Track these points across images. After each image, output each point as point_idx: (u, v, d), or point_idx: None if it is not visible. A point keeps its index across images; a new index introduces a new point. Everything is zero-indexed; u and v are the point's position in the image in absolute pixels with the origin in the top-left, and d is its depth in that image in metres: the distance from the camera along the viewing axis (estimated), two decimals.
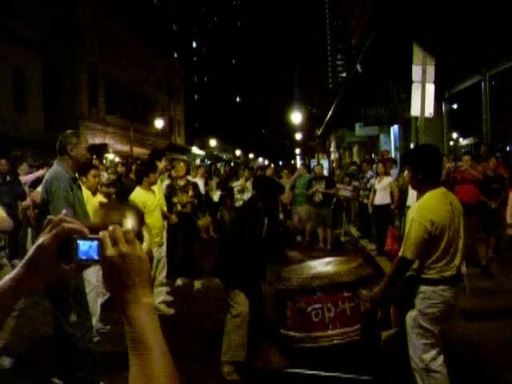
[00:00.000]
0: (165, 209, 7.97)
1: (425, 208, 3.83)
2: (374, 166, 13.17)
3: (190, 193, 8.91)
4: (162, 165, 8.59)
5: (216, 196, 15.10)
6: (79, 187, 4.91)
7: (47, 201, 4.52)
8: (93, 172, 6.47)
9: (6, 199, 9.59)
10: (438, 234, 3.76)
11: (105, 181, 10.47)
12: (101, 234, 1.10)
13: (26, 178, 10.90)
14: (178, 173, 9.23)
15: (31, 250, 1.12)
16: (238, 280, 5.13)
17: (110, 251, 1.07)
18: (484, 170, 9.10)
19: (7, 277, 1.14)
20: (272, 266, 5.56)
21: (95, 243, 1.09)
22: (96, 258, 1.09)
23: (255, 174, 15.67)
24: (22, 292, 1.15)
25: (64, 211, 1.17)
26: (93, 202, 6.29)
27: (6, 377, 5.03)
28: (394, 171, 13.07)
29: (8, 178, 10.39)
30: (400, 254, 3.87)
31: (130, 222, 5.33)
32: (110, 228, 1.11)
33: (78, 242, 1.10)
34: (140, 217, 5.52)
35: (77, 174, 5.10)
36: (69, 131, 4.87)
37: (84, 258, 1.10)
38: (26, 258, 1.13)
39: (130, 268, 1.07)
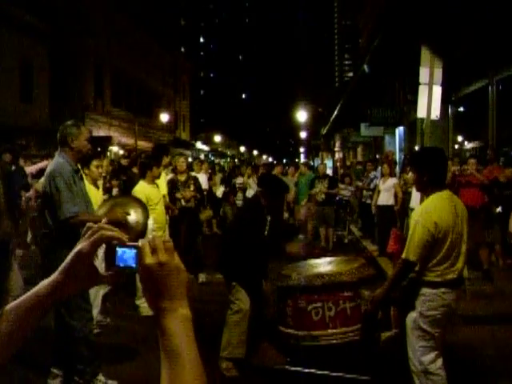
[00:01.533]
0: (167, 200, 7.99)
1: (429, 210, 3.83)
2: (379, 167, 13.17)
3: (192, 187, 8.94)
4: (166, 160, 8.63)
5: (219, 191, 15.14)
6: (81, 178, 4.91)
7: (49, 193, 4.52)
8: (95, 162, 6.43)
9: (11, 189, 9.63)
10: (441, 236, 3.76)
11: (105, 174, 10.48)
12: (140, 242, 1.10)
13: (29, 169, 10.93)
14: (178, 168, 9.25)
15: (69, 256, 1.13)
16: (240, 276, 5.14)
17: (149, 259, 1.07)
18: (496, 174, 9.02)
19: (45, 281, 1.15)
20: (274, 264, 5.57)
21: (133, 251, 1.10)
22: (133, 265, 1.10)
23: (258, 171, 15.71)
24: (59, 297, 1.16)
25: (105, 219, 1.18)
26: (95, 194, 6.30)
27: (6, 367, 5.04)
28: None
29: (14, 167, 10.44)
30: (403, 255, 3.87)
31: (134, 215, 5.31)
32: (150, 237, 1.11)
33: (117, 249, 1.11)
34: (144, 208, 5.52)
35: (79, 165, 5.09)
36: (69, 122, 4.78)
37: (122, 265, 1.11)
38: (64, 263, 1.14)
39: (168, 277, 1.07)
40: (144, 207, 5.50)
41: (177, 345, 1.04)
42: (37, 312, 1.15)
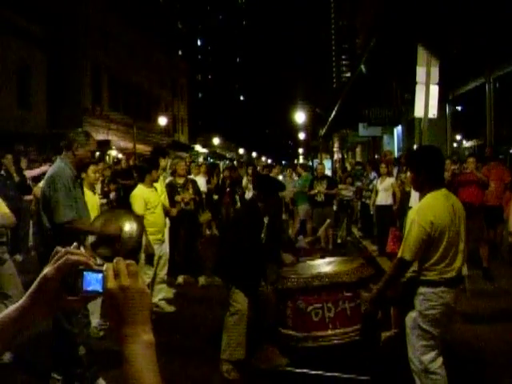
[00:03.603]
0: (166, 204, 7.98)
1: (425, 209, 3.82)
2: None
3: (190, 190, 8.95)
4: (164, 162, 8.62)
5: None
6: (80, 185, 4.93)
7: (48, 196, 4.53)
8: (92, 167, 6.52)
9: (11, 193, 9.64)
10: (437, 235, 3.75)
11: (103, 178, 10.51)
12: (105, 266, 1.09)
13: (29, 173, 10.94)
14: (179, 172, 9.25)
15: (36, 281, 1.12)
16: (238, 279, 5.13)
17: (111, 284, 1.06)
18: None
19: (12, 307, 1.13)
20: (273, 266, 5.57)
21: (100, 275, 1.09)
22: (100, 290, 1.09)
23: (257, 173, 15.69)
24: (26, 323, 1.14)
25: (75, 244, 1.17)
26: (92, 200, 6.31)
27: (6, 372, 5.05)
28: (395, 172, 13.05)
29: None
30: (399, 254, 3.87)
31: (128, 230, 5.29)
32: (115, 260, 1.09)
33: (84, 273, 1.10)
34: (140, 222, 5.51)
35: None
36: (80, 130, 4.93)
37: (89, 289, 1.10)
38: (31, 289, 1.12)
39: (131, 302, 1.05)
40: (139, 222, 5.48)
41: (138, 371, 1.03)
42: (4, 338, 1.13)
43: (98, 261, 5.47)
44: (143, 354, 1.04)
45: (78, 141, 4.70)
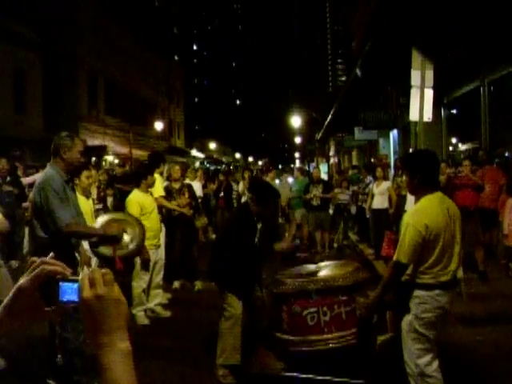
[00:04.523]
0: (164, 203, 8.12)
1: (420, 212, 3.83)
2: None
3: (186, 195, 8.94)
4: (161, 168, 8.69)
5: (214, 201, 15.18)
6: (73, 189, 4.89)
7: (40, 203, 4.49)
8: (85, 173, 6.51)
9: (6, 199, 9.60)
10: (432, 238, 3.75)
11: (98, 184, 10.49)
12: (80, 275, 1.07)
13: (26, 180, 10.90)
14: (173, 176, 9.25)
15: (11, 291, 1.11)
16: (231, 283, 5.12)
17: (87, 293, 1.05)
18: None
19: None
20: (268, 270, 5.56)
21: (76, 285, 1.07)
22: (76, 300, 1.07)
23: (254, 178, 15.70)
24: (2, 334, 1.13)
25: (51, 254, 1.15)
26: (86, 206, 6.30)
27: (1, 378, 5.02)
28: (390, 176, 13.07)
29: (8, 178, 10.39)
30: (394, 258, 3.87)
31: (129, 236, 5.28)
32: (90, 269, 1.08)
33: (60, 283, 1.08)
34: (142, 229, 5.51)
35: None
36: (64, 133, 4.78)
37: (65, 299, 1.08)
38: (6, 299, 1.11)
39: (106, 311, 1.04)
40: (141, 229, 5.47)
41: (115, 380, 1.03)
42: None
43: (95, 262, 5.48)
44: (120, 363, 1.04)
45: (64, 145, 4.63)
